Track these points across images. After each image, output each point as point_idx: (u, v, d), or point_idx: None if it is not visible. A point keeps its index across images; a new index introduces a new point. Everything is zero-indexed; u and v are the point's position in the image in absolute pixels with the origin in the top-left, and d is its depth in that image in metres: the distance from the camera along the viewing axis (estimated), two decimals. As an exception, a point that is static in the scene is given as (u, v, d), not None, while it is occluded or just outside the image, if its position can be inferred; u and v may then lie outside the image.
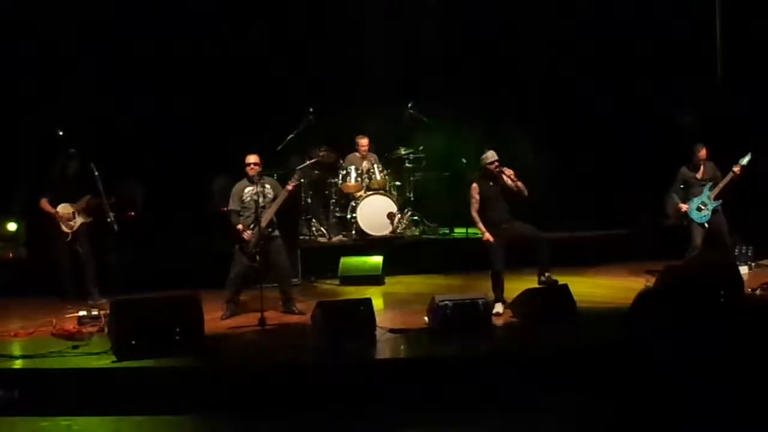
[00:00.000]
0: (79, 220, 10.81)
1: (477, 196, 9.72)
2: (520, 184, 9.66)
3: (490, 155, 9.78)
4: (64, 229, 10.75)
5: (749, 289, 9.87)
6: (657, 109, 14.14)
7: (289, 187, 9.99)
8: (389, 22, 14.89)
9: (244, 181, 10.02)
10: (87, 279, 10.79)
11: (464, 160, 14.29)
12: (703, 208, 10.96)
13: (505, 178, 9.66)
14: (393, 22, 14.91)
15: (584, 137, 14.83)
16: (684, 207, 11.00)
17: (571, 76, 14.79)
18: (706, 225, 10.97)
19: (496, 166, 9.69)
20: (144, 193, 13.18)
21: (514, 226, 9.70)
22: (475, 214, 9.72)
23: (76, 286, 10.84)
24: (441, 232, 13.69)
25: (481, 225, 9.66)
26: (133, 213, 10.96)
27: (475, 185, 9.84)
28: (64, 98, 13.47)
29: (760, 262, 11.92)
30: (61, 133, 12.09)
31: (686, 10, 13.99)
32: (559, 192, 14.04)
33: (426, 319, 9.00)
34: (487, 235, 9.56)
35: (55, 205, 10.79)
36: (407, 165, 13.89)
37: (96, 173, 10.33)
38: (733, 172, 10.84)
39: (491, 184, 9.76)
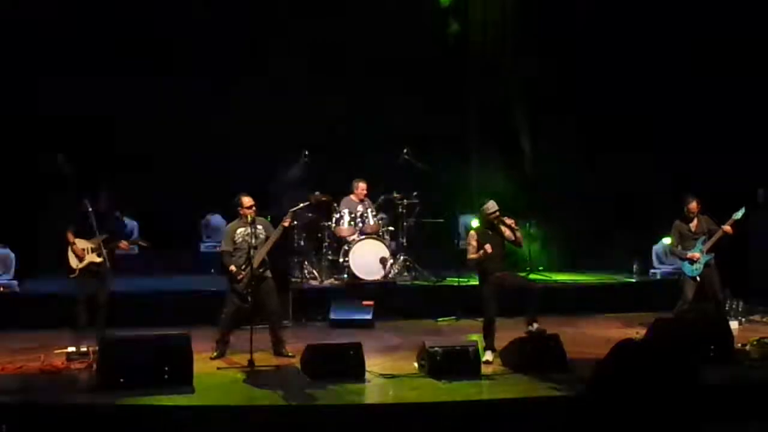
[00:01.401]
0: (88, 259, 10.29)
1: (474, 244, 9.79)
2: (518, 234, 9.76)
3: (491, 205, 9.87)
4: (72, 263, 10.26)
5: (739, 344, 9.85)
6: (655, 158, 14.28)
7: (285, 224, 10.00)
8: (384, 69, 15.01)
9: (237, 222, 10.03)
10: (98, 322, 10.18)
11: (457, 213, 14.46)
12: (695, 261, 10.99)
13: (504, 228, 9.73)
14: (388, 69, 15.03)
15: (579, 183, 14.96)
16: (697, 255, 11.00)
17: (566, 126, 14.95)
18: (698, 278, 10.99)
19: (496, 216, 9.76)
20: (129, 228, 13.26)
21: (507, 277, 9.78)
22: (472, 256, 9.77)
23: (89, 317, 10.21)
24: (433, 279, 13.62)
25: (475, 255, 9.70)
26: (124, 245, 10.75)
27: (473, 233, 9.97)
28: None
29: (751, 317, 11.93)
30: (61, 161, 12.10)
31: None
32: (551, 240, 14.13)
33: (416, 364, 9.00)
34: (486, 246, 9.60)
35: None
36: (401, 210, 13.92)
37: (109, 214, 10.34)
38: (724, 230, 10.89)
39: (490, 233, 9.82)
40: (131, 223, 14.59)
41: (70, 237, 10.27)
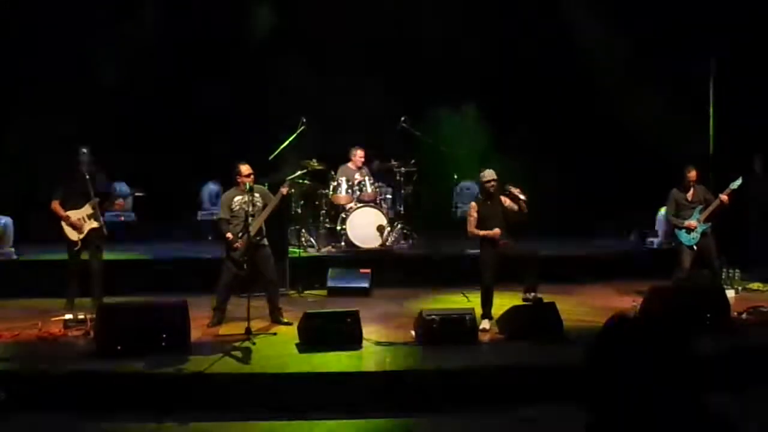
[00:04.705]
0: (87, 226, 10.17)
1: (475, 215, 9.69)
2: (522, 203, 9.64)
3: (488, 174, 9.73)
4: (71, 237, 10.14)
5: (735, 313, 9.87)
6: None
7: (283, 192, 9.98)
8: (383, 34, 14.95)
9: (234, 190, 10.00)
10: (95, 290, 10.22)
11: (455, 176, 14.41)
12: (692, 230, 10.99)
13: (504, 197, 9.64)
14: (386, 35, 14.97)
15: (575, 153, 14.95)
16: (693, 223, 11.00)
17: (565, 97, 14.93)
18: (695, 247, 10.99)
19: (492, 185, 9.67)
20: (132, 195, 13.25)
21: (509, 246, 9.70)
22: (473, 229, 9.69)
23: (80, 292, 10.25)
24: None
25: (482, 233, 9.61)
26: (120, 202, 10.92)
27: (474, 204, 9.85)
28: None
29: (747, 285, 11.95)
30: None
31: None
32: (550, 209, 14.12)
33: (413, 332, 9.01)
34: (495, 230, 9.56)
35: (65, 209, 10.15)
36: (398, 178, 13.90)
37: (95, 176, 10.21)
38: (721, 200, 10.87)
39: (489, 203, 9.75)
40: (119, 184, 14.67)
41: (60, 210, 10.15)
